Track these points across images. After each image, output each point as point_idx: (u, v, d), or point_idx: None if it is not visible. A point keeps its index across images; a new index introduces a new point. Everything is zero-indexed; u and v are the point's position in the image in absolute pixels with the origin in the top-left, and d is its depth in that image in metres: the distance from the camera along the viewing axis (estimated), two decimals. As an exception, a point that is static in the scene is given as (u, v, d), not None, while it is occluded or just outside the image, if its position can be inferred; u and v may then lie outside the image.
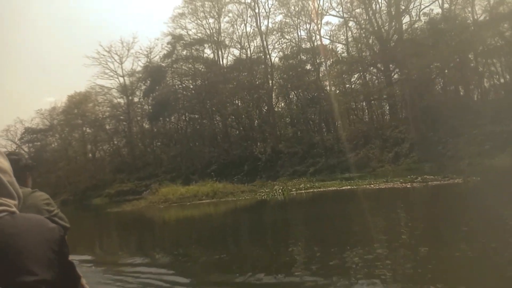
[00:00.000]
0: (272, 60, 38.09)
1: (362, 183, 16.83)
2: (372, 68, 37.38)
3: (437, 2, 31.22)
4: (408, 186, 14.84)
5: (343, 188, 17.29)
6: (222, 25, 41.03)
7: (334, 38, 41.14)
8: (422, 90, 23.13)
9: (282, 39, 38.78)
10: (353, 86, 41.45)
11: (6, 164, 0.94)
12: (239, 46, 42.54)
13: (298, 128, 36.52)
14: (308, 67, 40.86)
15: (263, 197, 18.42)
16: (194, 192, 22.05)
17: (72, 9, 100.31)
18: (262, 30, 36.77)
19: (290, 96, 42.72)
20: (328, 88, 39.43)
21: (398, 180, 15.83)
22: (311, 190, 18.34)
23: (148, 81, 47.33)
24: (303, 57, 40.11)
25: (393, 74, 34.37)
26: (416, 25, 31.57)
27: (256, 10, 36.81)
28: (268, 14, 37.25)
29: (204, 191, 21.77)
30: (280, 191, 18.85)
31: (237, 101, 41.44)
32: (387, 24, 34.72)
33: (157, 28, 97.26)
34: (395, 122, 23.63)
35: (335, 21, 40.97)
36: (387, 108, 37.41)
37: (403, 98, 24.62)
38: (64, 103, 59.98)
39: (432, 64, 24.54)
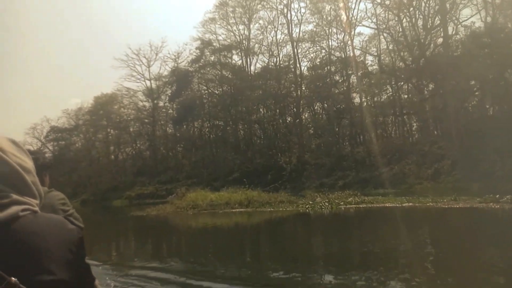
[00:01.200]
0: (302, 69, 37.23)
1: (425, 200, 14.94)
2: (404, 82, 36.15)
3: (478, 15, 29.97)
4: (494, 206, 12.53)
5: (404, 205, 15.16)
6: (252, 31, 40.67)
7: (366, 49, 40.09)
8: (465, 105, 21.80)
9: (312, 48, 38.00)
10: (383, 98, 40.38)
11: (30, 164, 0.95)
12: (268, 54, 42.05)
13: (324, 139, 35.44)
14: (337, 77, 39.98)
15: (306, 209, 16.74)
16: (225, 199, 20.69)
17: (103, 13, 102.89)
18: (294, 37, 36.04)
19: (315, 107, 41.86)
20: (357, 100, 38.40)
21: (474, 200, 13.64)
22: (363, 205, 16.28)
23: (175, 86, 47.30)
24: (332, 67, 39.23)
25: (426, 88, 33.11)
26: (455, 38, 30.26)
27: (289, 17, 36.22)
28: (300, 21, 36.61)
29: (236, 199, 20.43)
30: (326, 203, 17.01)
31: (262, 110, 40.78)
32: (422, 37, 33.55)
33: (185, 34, 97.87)
34: (433, 138, 22.29)
35: (367, 32, 39.58)
36: (416, 123, 36.05)
37: (442, 112, 23.32)
38: (90, 103, 60.84)
39: (475, 78, 23.19)
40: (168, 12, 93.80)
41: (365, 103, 35.91)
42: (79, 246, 0.90)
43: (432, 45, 32.95)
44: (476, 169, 17.20)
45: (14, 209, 0.82)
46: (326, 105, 39.83)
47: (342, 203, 17.01)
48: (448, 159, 18.84)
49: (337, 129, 36.89)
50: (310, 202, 17.90)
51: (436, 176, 18.58)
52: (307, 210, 16.59)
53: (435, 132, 26.95)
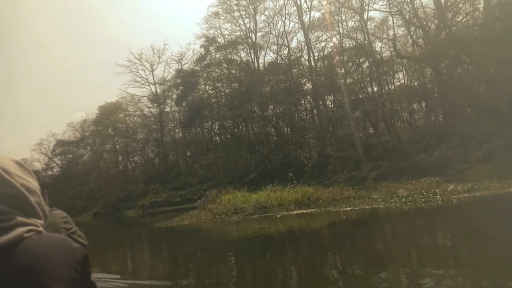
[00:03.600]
0: (315, 58, 35.13)
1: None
2: (424, 64, 33.98)
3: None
4: None
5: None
6: (258, 24, 38.71)
7: (378, 34, 37.93)
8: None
9: (323, 36, 35.93)
10: (400, 84, 38.30)
11: (34, 184, 0.97)
12: (276, 47, 40.07)
13: (345, 131, 33.37)
14: (350, 66, 37.93)
15: (399, 203, 13.29)
16: (276, 199, 16.99)
17: (103, 23, 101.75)
18: (305, 22, 33.85)
19: (329, 98, 39.91)
20: (372, 88, 36.29)
21: None
22: (472, 194, 12.80)
23: (181, 88, 45.54)
24: (345, 56, 37.16)
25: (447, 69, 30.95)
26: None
27: (299, 3, 34.14)
28: (310, 8, 34.55)
29: (290, 198, 16.80)
30: (431, 195, 13.30)
31: (275, 105, 38.77)
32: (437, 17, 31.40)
33: (188, 34, 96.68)
34: (474, 117, 20.17)
35: (378, 16, 37.30)
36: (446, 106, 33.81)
37: (486, 88, 21.20)
38: (95, 114, 59.37)
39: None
40: (168, 14, 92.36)
41: (383, 89, 33.81)
42: (84, 264, 0.90)
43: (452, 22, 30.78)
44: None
45: (19, 230, 0.83)
46: (338, 96, 37.83)
47: (440, 193, 13.39)
48: (499, 139, 16.77)
49: (356, 117, 34.75)
50: (404, 195, 14.08)
51: (488, 158, 16.50)
52: (403, 206, 13.07)
53: (469, 110, 24.70)
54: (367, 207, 14.23)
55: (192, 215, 19.14)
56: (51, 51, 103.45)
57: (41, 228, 0.90)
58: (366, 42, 34.67)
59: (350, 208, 14.51)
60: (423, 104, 35.94)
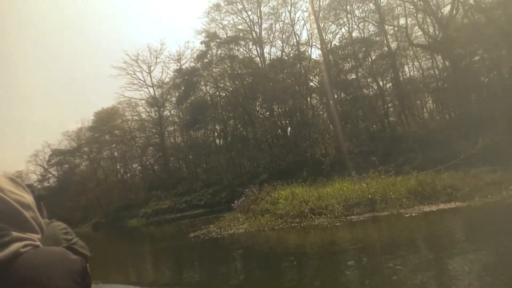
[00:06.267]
0: (327, 48, 32.90)
1: None
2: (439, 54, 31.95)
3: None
4: None
5: None
6: (263, 16, 36.48)
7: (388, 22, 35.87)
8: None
9: (333, 24, 33.70)
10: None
11: (29, 199, 0.96)
12: (281, 41, 37.87)
13: (366, 124, 31.17)
14: (360, 55, 35.80)
15: None
16: (378, 190, 12.35)
17: (96, 27, 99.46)
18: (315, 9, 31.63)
19: (340, 92, 37.77)
20: (385, 80, 34.23)
21: None
22: None
23: (182, 88, 43.23)
24: (356, 47, 35.02)
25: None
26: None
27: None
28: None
29: (399, 191, 12.11)
30: None
31: (280, 104, 36.49)
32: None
33: (185, 34, 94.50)
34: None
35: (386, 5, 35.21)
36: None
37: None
38: (91, 121, 56.92)
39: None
40: (163, 12, 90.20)
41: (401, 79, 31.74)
42: (84, 275, 0.88)
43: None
44: None
45: (15, 246, 0.82)
46: (352, 90, 35.64)
47: None
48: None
49: (375, 110, 32.52)
50: None
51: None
52: None
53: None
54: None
55: (229, 220, 15.54)
56: (45, 60, 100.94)
57: (37, 243, 0.88)
58: (379, 30, 32.71)
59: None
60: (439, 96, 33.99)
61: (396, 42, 34.90)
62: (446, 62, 30.96)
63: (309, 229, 11.50)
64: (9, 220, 0.86)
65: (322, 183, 17.93)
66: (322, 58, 30.42)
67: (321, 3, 31.88)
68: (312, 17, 30.51)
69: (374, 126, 32.14)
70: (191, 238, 14.41)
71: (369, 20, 31.54)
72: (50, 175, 66.19)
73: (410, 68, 38.58)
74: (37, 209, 1.09)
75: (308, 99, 36.25)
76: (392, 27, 34.99)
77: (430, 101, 36.83)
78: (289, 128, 35.81)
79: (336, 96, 35.58)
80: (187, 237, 14.99)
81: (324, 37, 35.03)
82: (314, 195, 14.02)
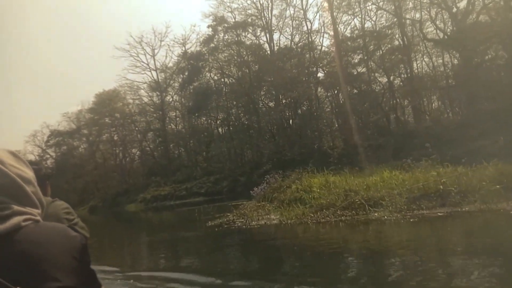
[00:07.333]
0: (340, 37, 31.81)
1: None
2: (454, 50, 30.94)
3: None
4: None
5: None
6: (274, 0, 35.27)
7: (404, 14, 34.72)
8: None
9: (346, 14, 32.58)
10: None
11: (30, 174, 0.96)
12: (291, 29, 36.73)
13: (378, 117, 30.28)
14: (371, 48, 34.74)
15: None
16: (454, 183, 9.95)
17: (101, 13, 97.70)
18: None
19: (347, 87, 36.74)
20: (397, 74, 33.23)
21: None
22: None
23: (186, 73, 42.15)
24: (367, 39, 33.93)
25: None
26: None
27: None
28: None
29: (481, 181, 9.56)
30: None
31: (281, 98, 35.44)
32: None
33: (192, 17, 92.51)
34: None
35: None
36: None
37: None
38: (91, 103, 55.73)
39: None
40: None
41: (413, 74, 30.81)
42: (83, 252, 0.89)
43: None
44: None
45: (15, 219, 0.83)
46: (362, 83, 34.63)
47: None
48: None
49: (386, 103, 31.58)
50: None
51: None
52: None
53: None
54: None
55: (252, 208, 13.55)
56: (46, 41, 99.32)
57: (38, 217, 0.89)
58: (392, 23, 31.67)
59: None
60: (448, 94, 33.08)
61: (405, 37, 33.96)
62: (456, 60, 30.15)
63: (368, 225, 9.45)
64: (10, 193, 0.85)
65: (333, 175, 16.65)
66: (335, 48, 29.17)
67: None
68: (326, 4, 29.30)
69: (384, 120, 31.34)
70: (209, 228, 12.62)
71: (385, 9, 30.25)
72: (48, 156, 65.20)
73: (418, 65, 37.71)
74: (43, 187, 1.05)
75: (318, 89, 35.37)
76: (405, 20, 33.99)
77: (435, 98, 36.01)
78: (295, 118, 34.90)
79: (349, 88, 34.65)
80: (204, 226, 13.07)
81: (340, 25, 33.99)
82: (361, 184, 12.02)
